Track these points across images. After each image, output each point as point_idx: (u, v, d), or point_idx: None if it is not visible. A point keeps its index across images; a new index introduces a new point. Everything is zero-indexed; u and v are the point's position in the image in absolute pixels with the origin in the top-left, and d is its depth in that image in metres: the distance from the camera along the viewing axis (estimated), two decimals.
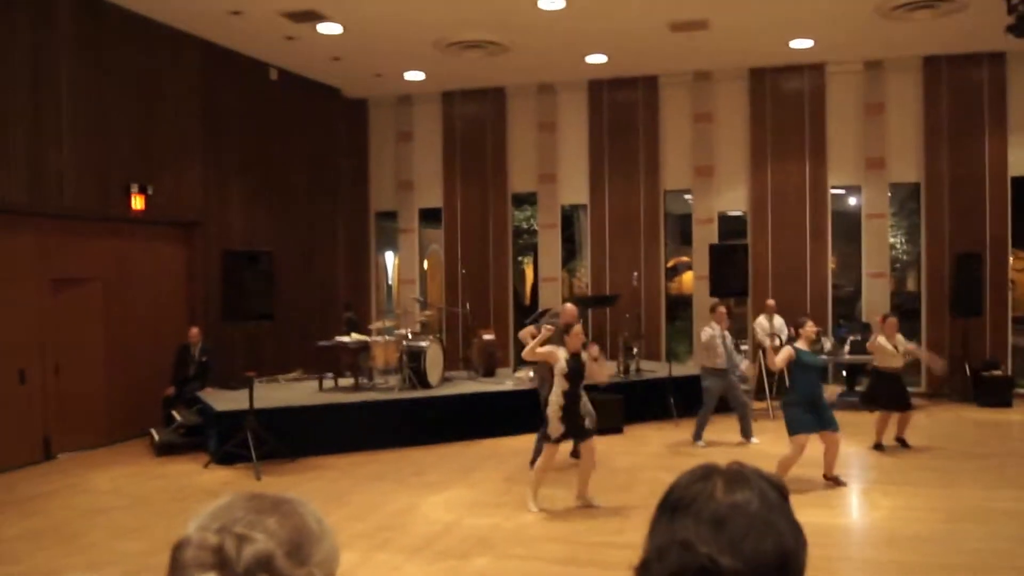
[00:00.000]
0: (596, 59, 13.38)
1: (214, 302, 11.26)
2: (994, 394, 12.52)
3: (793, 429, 8.05)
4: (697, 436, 10.43)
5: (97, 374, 10.76)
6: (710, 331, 10.36)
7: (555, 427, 7.58)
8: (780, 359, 8.24)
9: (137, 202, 10.82)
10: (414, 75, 14.11)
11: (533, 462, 8.92)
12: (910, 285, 19.81)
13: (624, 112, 14.73)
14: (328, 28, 11.42)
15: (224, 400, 10.27)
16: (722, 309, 10.55)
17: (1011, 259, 13.75)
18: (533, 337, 8.02)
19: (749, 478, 1.16)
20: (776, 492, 1.16)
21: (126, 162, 10.73)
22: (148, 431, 10.58)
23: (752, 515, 1.09)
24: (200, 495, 8.39)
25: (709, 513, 1.10)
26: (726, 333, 10.39)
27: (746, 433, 10.37)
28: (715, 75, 14.32)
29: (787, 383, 8.60)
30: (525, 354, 7.95)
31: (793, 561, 1.10)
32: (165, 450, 10.19)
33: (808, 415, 8.01)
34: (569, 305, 9.61)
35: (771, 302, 12.35)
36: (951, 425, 11.44)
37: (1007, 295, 13.52)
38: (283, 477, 9.00)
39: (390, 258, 18.32)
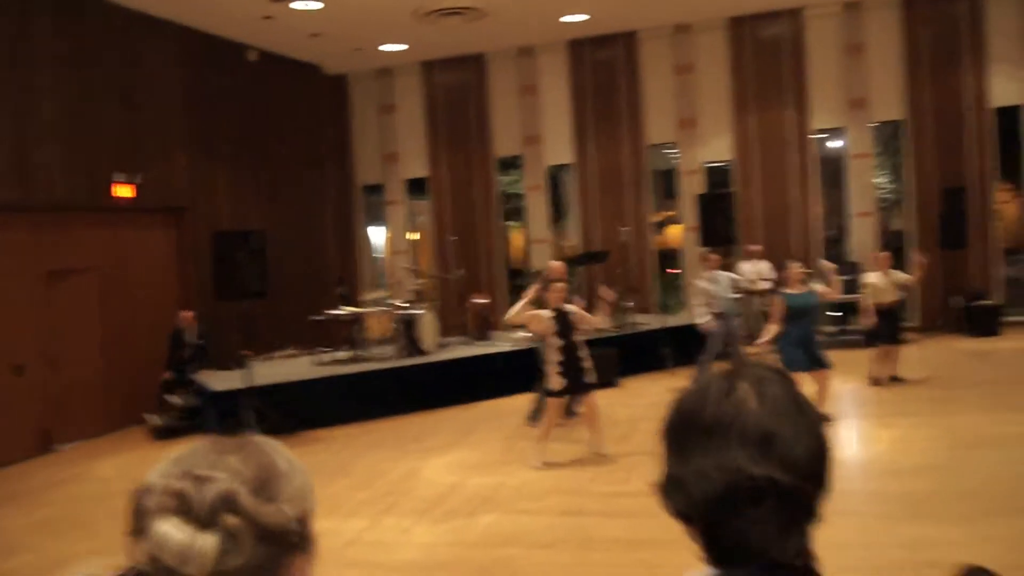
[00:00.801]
0: (574, 18, 13.29)
1: (207, 285, 11.26)
2: (984, 324, 12.64)
3: (787, 365, 8.11)
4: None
5: (94, 363, 10.80)
6: (699, 283, 10.48)
7: (555, 381, 7.66)
8: (774, 320, 8.31)
9: (125, 190, 10.81)
10: (393, 47, 14.02)
11: (532, 417, 9.05)
12: (896, 223, 19.84)
13: (605, 70, 14.68)
14: (305, 4, 11.33)
15: (221, 380, 10.30)
16: (712, 256, 10.60)
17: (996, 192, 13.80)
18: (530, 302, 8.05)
19: (768, 377, 1.15)
20: (790, 381, 1.18)
21: (112, 151, 10.73)
22: (146, 417, 10.63)
23: (794, 418, 1.10)
24: None
25: (754, 429, 1.08)
26: (718, 274, 10.38)
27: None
28: (694, 26, 14.26)
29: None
30: (508, 318, 8.01)
31: (831, 448, 1.13)
32: (165, 434, 10.23)
33: (800, 353, 8.10)
34: (555, 262, 9.65)
35: (755, 247, 12.19)
36: (944, 355, 11.55)
37: (994, 227, 13.58)
38: None
39: (378, 232, 18.31)
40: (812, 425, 1.12)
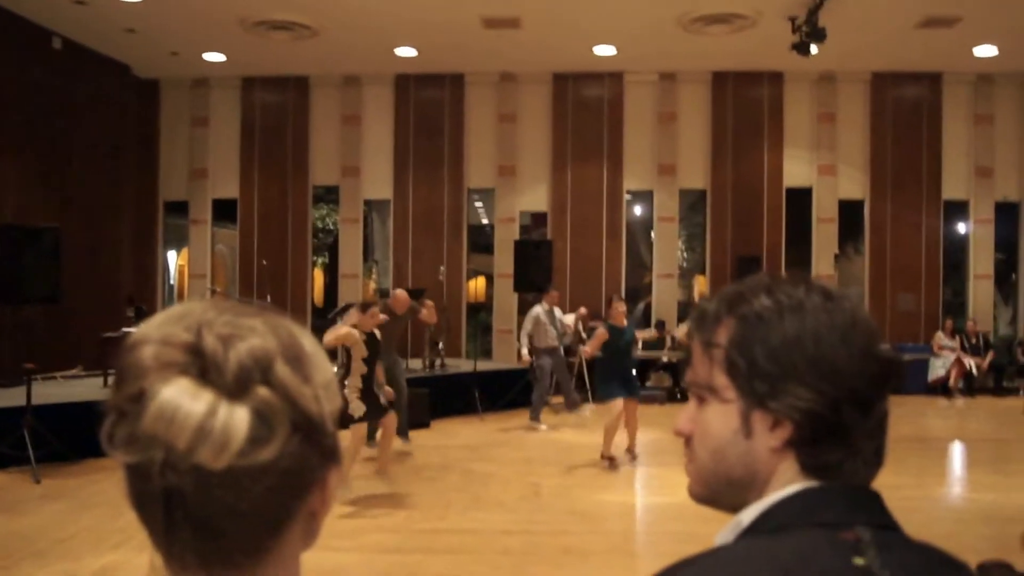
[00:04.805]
0: (405, 52, 13.23)
1: None
2: None
3: (607, 395, 8.44)
4: (535, 416, 10.72)
5: None
6: (537, 310, 10.86)
7: (357, 406, 7.44)
8: (593, 345, 8.62)
9: None
10: (213, 56, 13.39)
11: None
12: (685, 291, 20.93)
13: (430, 109, 14.68)
14: None
15: None
16: (554, 291, 11.11)
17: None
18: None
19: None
20: None
21: None
22: None
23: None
24: None
25: (874, 328, 0.96)
26: (555, 310, 10.94)
27: (572, 406, 10.88)
28: (520, 77, 14.56)
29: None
30: (326, 341, 7.68)
31: None
32: None
33: (619, 384, 8.43)
34: (400, 292, 9.51)
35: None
36: None
37: None
38: (67, 479, 8.17)
39: (172, 257, 17.41)
40: None
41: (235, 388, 0.71)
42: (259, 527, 0.75)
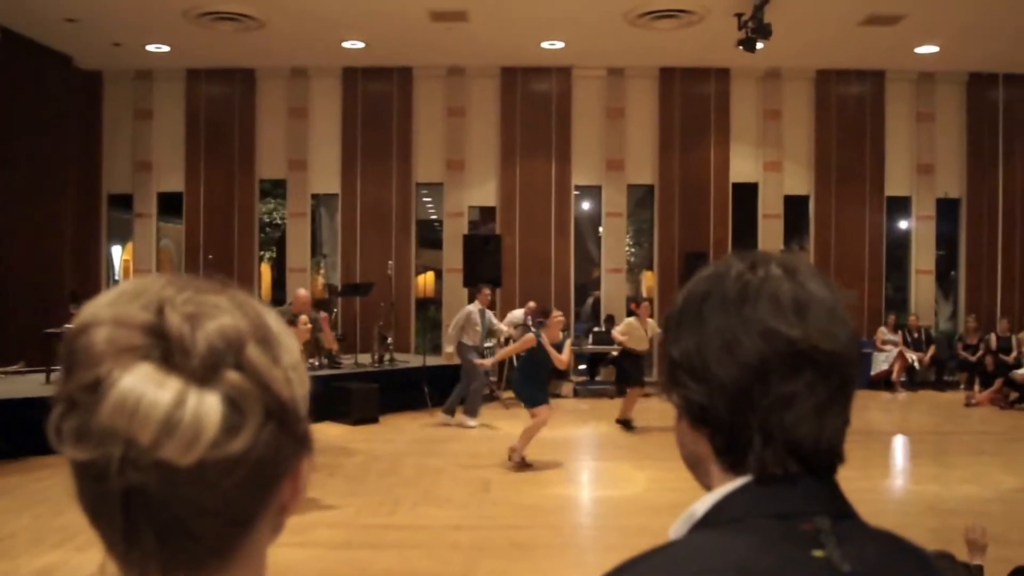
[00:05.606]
0: (353, 44, 13.13)
1: None
2: None
3: (534, 401, 8.41)
4: (473, 412, 10.69)
5: None
6: (471, 307, 10.92)
7: None
8: (515, 348, 8.72)
9: None
10: (157, 47, 13.15)
11: None
12: (632, 287, 21.07)
13: (378, 102, 14.58)
14: None
15: None
16: (485, 290, 11.11)
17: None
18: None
19: (793, 259, 0.97)
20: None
21: None
22: None
23: (828, 305, 0.93)
24: None
25: (789, 298, 0.90)
26: (487, 312, 11.03)
27: (471, 412, 10.78)
28: (468, 71, 14.52)
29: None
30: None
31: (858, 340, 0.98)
32: None
33: (538, 392, 8.44)
34: (302, 291, 9.35)
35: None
36: None
37: None
38: (8, 477, 7.99)
39: (117, 252, 17.08)
40: (843, 307, 0.95)
41: (203, 373, 0.65)
42: (228, 525, 0.69)
